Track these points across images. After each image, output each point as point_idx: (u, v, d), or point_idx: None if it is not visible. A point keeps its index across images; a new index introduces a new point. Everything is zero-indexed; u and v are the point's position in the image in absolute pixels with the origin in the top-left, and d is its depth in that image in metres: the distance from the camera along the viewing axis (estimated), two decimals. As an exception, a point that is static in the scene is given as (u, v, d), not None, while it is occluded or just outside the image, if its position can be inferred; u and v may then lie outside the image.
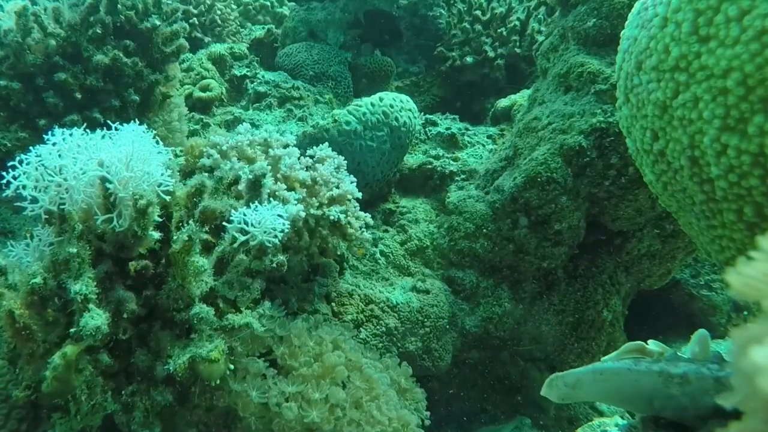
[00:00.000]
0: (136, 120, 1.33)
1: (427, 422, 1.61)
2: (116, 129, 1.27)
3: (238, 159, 1.60)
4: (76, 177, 1.13)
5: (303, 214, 1.54)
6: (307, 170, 1.68)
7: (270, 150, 1.66)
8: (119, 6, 1.91)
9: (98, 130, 1.24)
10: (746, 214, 0.83)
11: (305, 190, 1.63)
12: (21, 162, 1.15)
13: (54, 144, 1.17)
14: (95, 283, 1.11)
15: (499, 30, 3.10)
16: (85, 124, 1.40)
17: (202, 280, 1.23)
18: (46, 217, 1.14)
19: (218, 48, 2.96)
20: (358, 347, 1.56)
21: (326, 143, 1.82)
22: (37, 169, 1.15)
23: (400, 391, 1.60)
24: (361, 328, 1.77)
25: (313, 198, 1.64)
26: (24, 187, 1.13)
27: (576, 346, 1.96)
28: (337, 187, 1.67)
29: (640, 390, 0.87)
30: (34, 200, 1.14)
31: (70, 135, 1.19)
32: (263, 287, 1.37)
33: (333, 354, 1.42)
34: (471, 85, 3.20)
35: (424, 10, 3.32)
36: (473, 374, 2.03)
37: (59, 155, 1.16)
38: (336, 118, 1.99)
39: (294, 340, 1.43)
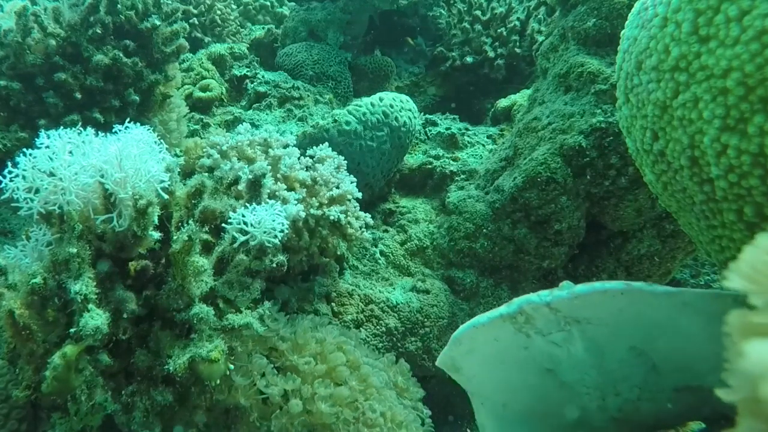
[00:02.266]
0: (135, 120, 1.33)
1: (427, 422, 1.60)
2: (124, 129, 1.26)
3: (238, 159, 1.60)
4: (71, 178, 1.13)
5: (303, 214, 1.54)
6: (307, 170, 1.68)
7: (270, 150, 1.66)
8: (119, 6, 1.91)
9: (90, 129, 1.23)
10: (746, 214, 0.82)
11: (305, 190, 1.63)
12: (16, 164, 1.14)
13: (47, 147, 1.16)
14: (95, 283, 1.11)
15: (499, 30, 3.10)
16: (80, 123, 1.39)
17: (202, 280, 1.22)
18: (38, 217, 1.14)
19: (218, 48, 2.95)
20: (359, 347, 1.56)
21: (326, 143, 1.81)
22: (31, 170, 1.14)
23: (398, 390, 1.60)
24: (361, 328, 1.77)
25: (313, 198, 1.64)
26: (18, 188, 1.13)
27: (576, 346, 1.95)
28: (337, 187, 1.67)
29: (513, 360, 0.74)
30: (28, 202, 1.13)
31: (64, 135, 1.18)
32: (263, 287, 1.37)
33: (335, 354, 1.42)
34: (471, 85, 3.19)
35: (423, 10, 3.32)
36: (473, 374, 2.03)
37: (53, 156, 1.15)
38: (336, 118, 1.99)
39: (298, 340, 1.43)
